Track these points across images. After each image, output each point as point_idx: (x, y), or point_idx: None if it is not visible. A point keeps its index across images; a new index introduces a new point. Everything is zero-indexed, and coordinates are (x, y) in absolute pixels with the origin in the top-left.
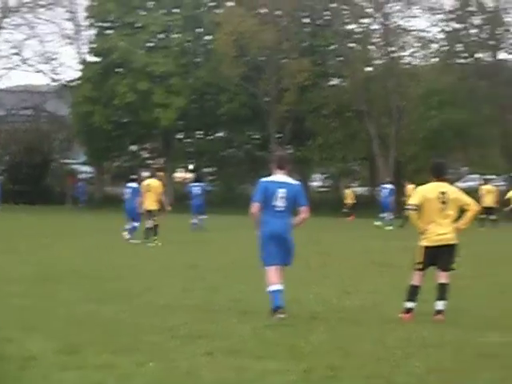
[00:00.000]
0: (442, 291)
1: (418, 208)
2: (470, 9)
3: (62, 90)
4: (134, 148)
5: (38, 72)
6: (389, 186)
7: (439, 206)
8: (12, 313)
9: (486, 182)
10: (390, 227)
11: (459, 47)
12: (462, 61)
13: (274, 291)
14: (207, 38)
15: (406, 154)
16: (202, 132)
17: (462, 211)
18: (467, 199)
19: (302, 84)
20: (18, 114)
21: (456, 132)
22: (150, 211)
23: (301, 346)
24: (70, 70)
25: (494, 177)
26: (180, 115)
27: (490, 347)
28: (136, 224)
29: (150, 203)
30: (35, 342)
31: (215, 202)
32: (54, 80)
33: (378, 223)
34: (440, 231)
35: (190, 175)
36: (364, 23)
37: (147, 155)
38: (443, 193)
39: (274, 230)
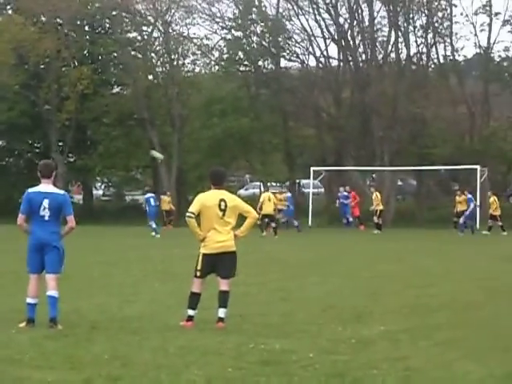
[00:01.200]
0: (223, 298)
1: (197, 215)
2: (252, 17)
3: None
4: None
5: None
6: (151, 194)
7: (218, 214)
8: None
9: (266, 189)
10: (158, 235)
11: (241, 55)
12: (244, 69)
13: (28, 304)
14: None
15: (188, 162)
16: None
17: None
18: (246, 207)
19: (83, 92)
20: None
21: (238, 140)
22: None
23: (80, 355)
24: None
25: (275, 184)
26: None
27: (271, 354)
28: None
29: None
30: None
31: None
32: None
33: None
34: (219, 238)
35: None
36: (145, 31)
37: None
38: (222, 200)
39: (39, 239)
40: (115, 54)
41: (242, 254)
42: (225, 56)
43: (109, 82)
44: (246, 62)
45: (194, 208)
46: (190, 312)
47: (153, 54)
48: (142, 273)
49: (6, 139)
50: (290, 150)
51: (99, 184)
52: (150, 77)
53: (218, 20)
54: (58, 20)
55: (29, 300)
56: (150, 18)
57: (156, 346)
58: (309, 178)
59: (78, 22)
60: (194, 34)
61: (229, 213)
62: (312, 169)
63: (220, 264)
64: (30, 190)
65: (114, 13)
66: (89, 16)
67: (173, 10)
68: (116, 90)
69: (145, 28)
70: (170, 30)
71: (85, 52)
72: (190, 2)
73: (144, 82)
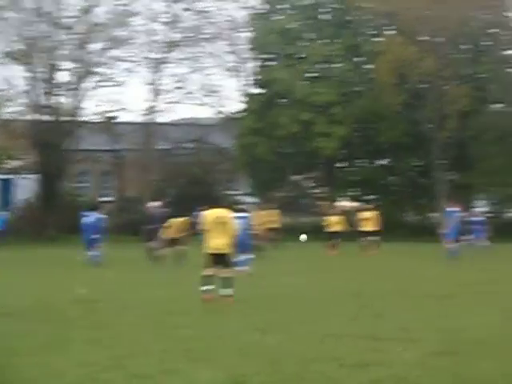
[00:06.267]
0: None
1: None
2: None
3: (226, 122)
4: (297, 178)
5: (201, 105)
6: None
7: None
8: (178, 343)
9: None
10: None
11: None
12: None
13: None
14: (367, 66)
15: None
16: (364, 160)
17: None
18: None
19: (463, 110)
20: (183, 147)
21: None
22: None
23: (467, 373)
24: (234, 102)
25: None
26: (342, 144)
27: None
28: None
29: None
30: (202, 372)
31: None
32: (217, 112)
33: None
34: None
35: (354, 204)
36: None
37: (310, 185)
38: None
39: None
40: (494, 72)
41: None
42: None
43: (488, 99)
44: None
45: None
46: None
47: None
48: None
49: (389, 158)
50: None
51: (478, 201)
52: None
53: None
54: (438, 39)
55: None
56: None
57: None
58: None
59: (457, 41)
60: None
61: None
62: None
63: None
64: None
65: (490, 31)
66: (467, 35)
67: None
68: (496, 107)
69: None
70: None
71: (464, 70)
72: None
73: None
